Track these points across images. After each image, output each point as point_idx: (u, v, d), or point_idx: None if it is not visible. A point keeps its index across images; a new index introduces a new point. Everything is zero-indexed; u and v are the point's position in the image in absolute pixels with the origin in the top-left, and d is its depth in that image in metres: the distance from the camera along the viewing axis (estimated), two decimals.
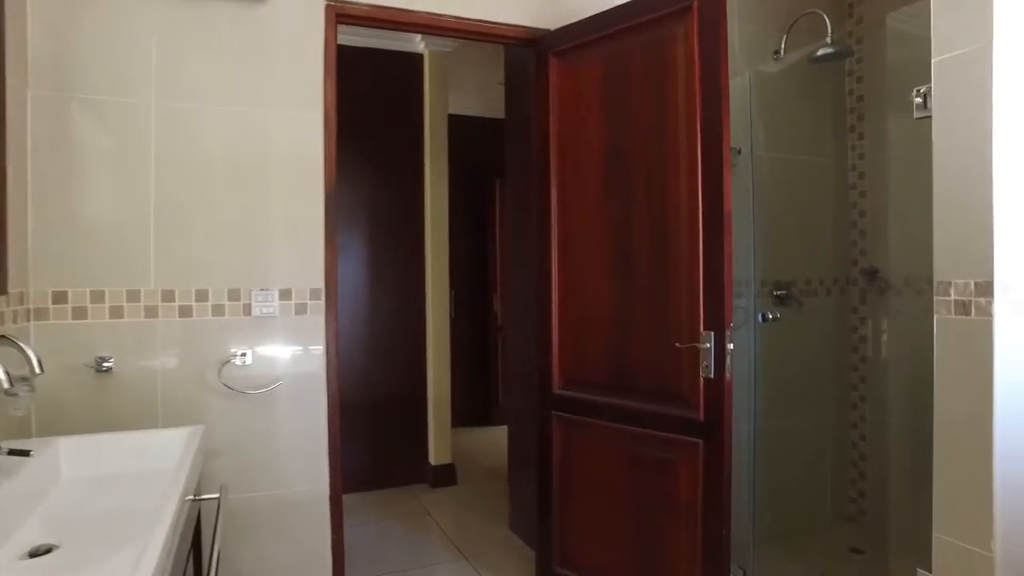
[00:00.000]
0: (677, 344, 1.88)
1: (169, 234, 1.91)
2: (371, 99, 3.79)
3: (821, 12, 2.59)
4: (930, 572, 1.74)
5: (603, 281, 2.11)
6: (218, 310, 1.96)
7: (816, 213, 3.01)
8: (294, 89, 2.06)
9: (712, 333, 1.82)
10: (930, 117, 1.68)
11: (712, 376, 1.83)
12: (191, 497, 1.30)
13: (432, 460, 3.88)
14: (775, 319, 2.34)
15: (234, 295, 1.98)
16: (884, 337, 2.86)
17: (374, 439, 3.79)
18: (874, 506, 2.95)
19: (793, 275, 2.87)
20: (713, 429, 1.85)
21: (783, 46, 2.72)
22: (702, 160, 1.85)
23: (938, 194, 1.62)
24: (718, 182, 1.81)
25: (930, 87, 1.65)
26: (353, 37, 3.60)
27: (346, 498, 3.65)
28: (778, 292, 2.77)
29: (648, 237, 1.99)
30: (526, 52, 2.50)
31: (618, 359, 2.09)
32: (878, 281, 2.87)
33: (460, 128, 5.24)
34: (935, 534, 1.67)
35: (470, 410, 5.38)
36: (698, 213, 1.85)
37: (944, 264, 1.61)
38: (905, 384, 2.79)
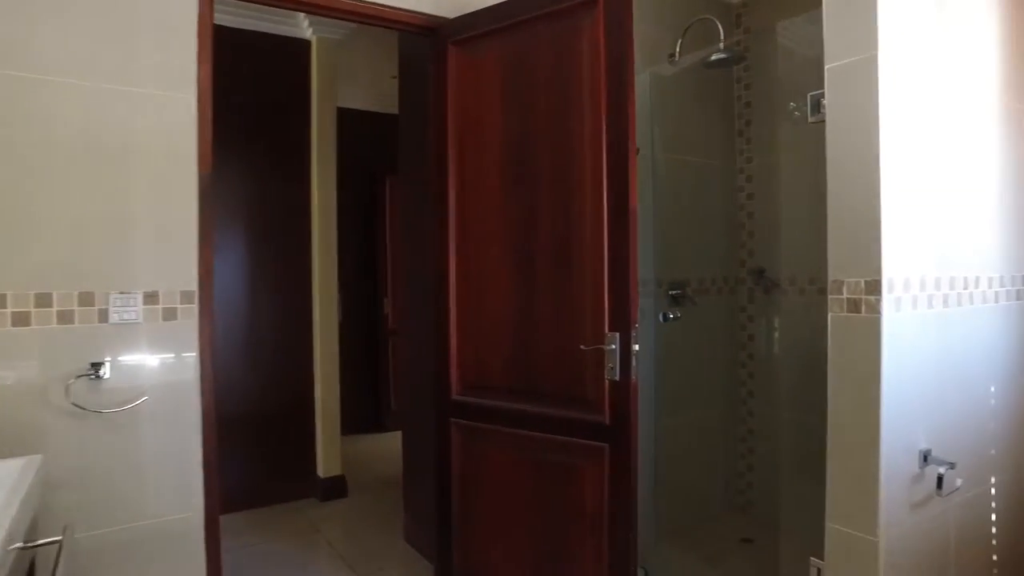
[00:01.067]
0: (582, 346, 1.83)
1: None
2: (251, 86, 3.50)
3: (714, 19, 2.65)
4: (821, 560, 1.79)
5: (505, 281, 2.03)
6: (66, 317, 1.69)
7: (708, 214, 3.10)
8: (163, 65, 1.80)
9: (617, 334, 1.78)
10: (824, 122, 1.73)
11: (618, 378, 1.79)
12: (20, 544, 1.08)
13: (321, 472, 3.65)
14: (675, 318, 2.35)
15: (87, 299, 1.71)
16: (774, 335, 2.99)
17: (256, 453, 3.51)
18: (762, 497, 3.07)
19: (687, 275, 2.93)
20: (619, 433, 1.81)
21: (678, 50, 2.76)
22: (607, 156, 1.80)
23: (832, 196, 1.67)
24: (624, 178, 1.78)
25: (823, 92, 1.70)
26: (232, 17, 3.32)
27: (226, 519, 3.35)
28: (673, 291, 2.81)
29: (552, 235, 1.92)
30: (423, 41, 2.37)
31: (521, 362, 2.01)
32: (764, 281, 2.99)
33: (348, 123, 5.01)
34: (827, 524, 1.71)
35: (361, 417, 5.16)
36: (603, 210, 1.81)
37: (837, 263, 1.66)
38: (790, 379, 2.92)
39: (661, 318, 2.44)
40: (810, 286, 2.81)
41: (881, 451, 1.59)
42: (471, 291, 2.12)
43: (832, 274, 1.67)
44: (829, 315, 1.67)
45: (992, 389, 2.01)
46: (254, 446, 3.50)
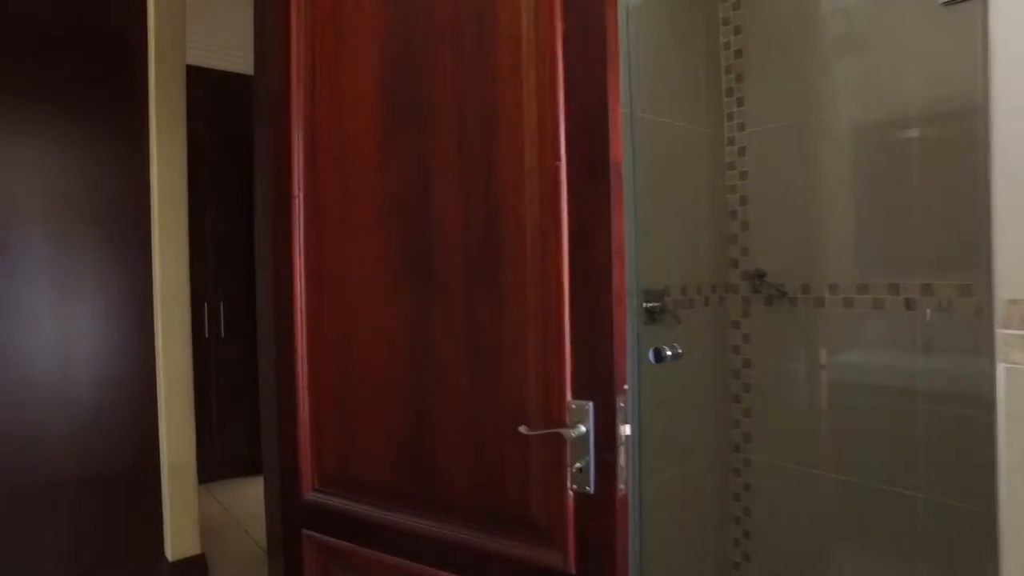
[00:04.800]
0: (523, 428, 0.97)
1: None
2: (50, 27, 2.49)
3: None
4: None
5: (385, 304, 1.14)
6: None
7: (692, 198, 2.30)
8: None
9: (591, 404, 0.93)
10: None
11: (592, 489, 0.94)
12: None
13: (170, 554, 2.67)
14: (675, 356, 1.50)
15: None
16: (780, 360, 2.21)
17: (71, 536, 2.50)
18: (764, 572, 2.30)
19: (666, 280, 2.13)
20: None
21: None
22: (566, 71, 0.95)
23: (1000, 139, 0.87)
24: (598, 112, 0.93)
25: None
26: None
27: None
28: (649, 304, 2.00)
29: (464, 218, 1.06)
30: None
31: (414, 445, 1.13)
32: (766, 287, 2.22)
33: (225, 89, 4.03)
34: None
35: (245, 455, 4.17)
36: (560, 170, 0.95)
37: (1012, 271, 0.86)
38: (801, 420, 2.17)
39: (652, 357, 1.59)
40: (832, 295, 2.06)
41: None
42: (331, 322, 1.22)
43: (1002, 291, 0.87)
44: (1000, 366, 0.87)
45: None
46: (68, 528, 2.49)
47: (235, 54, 3.93)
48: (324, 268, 1.21)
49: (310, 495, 1.27)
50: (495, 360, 1.01)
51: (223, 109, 4.05)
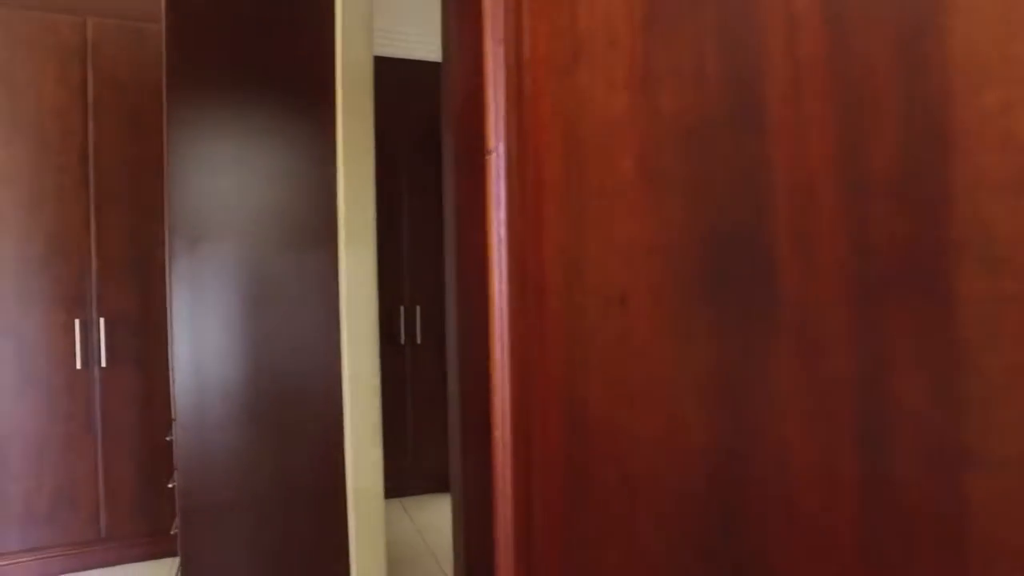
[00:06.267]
0: None
1: None
2: (245, 21, 2.35)
3: None
4: None
5: (659, 338, 0.63)
6: None
7: None
8: None
9: None
10: None
11: None
12: None
13: None
14: None
15: None
16: None
17: (259, 559, 2.34)
18: None
19: None
20: None
21: None
22: None
23: None
24: None
25: None
26: None
27: None
28: None
29: (846, 172, 0.50)
30: None
31: None
32: None
33: (419, 78, 3.82)
34: None
35: (443, 469, 3.94)
36: None
37: None
38: None
39: None
40: None
41: None
42: (554, 358, 0.74)
43: None
44: None
45: None
46: (255, 549, 2.32)
47: (430, 39, 3.71)
48: (541, 267, 0.72)
49: None
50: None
51: (421, 103, 3.86)
